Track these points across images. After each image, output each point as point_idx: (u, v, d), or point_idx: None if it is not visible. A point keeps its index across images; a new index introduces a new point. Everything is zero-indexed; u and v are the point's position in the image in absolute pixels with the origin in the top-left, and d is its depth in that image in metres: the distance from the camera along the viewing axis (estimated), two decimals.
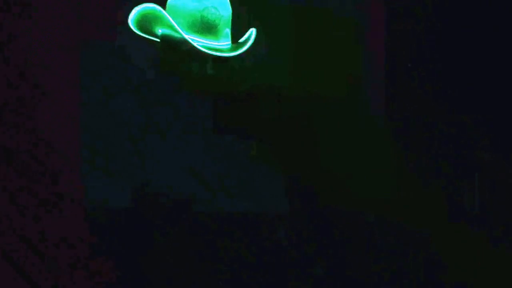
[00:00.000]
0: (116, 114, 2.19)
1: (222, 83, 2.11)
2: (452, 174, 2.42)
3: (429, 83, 2.43)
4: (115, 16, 2.12)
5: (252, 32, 2.09)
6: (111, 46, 2.20)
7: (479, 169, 2.41)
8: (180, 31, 1.95)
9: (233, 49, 2.03)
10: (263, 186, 2.28)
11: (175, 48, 2.00)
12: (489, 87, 2.42)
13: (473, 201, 2.40)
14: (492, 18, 2.41)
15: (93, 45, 2.21)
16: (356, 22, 2.45)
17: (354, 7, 2.45)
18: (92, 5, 2.20)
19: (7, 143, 2.14)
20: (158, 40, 2.04)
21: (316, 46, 2.42)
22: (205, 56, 1.99)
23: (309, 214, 2.31)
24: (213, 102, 2.27)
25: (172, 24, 1.95)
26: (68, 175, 2.15)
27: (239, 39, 2.08)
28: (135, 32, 2.03)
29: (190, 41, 1.95)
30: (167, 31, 2.00)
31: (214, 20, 1.99)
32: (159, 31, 2.02)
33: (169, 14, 1.98)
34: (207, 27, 1.99)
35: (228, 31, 2.04)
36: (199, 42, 1.98)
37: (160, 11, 1.96)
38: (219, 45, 2.01)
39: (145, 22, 2.00)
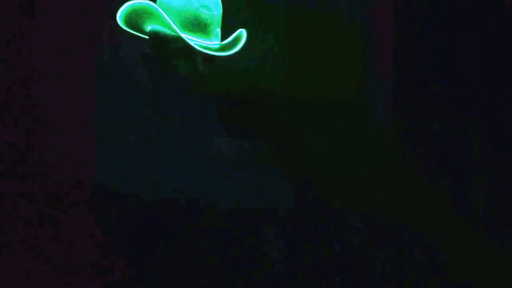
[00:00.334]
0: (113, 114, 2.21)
1: (216, 82, 2.13)
2: (458, 176, 2.37)
3: (436, 85, 2.40)
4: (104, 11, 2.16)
5: (241, 33, 2.09)
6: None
7: (485, 170, 2.36)
8: (176, 29, 1.95)
9: (221, 49, 2.03)
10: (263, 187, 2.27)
11: (165, 45, 2.01)
12: (496, 88, 2.37)
13: (479, 202, 2.36)
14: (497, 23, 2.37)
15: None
16: (363, 25, 2.44)
17: (361, 9, 2.43)
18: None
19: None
20: (146, 36, 2.05)
21: (323, 49, 2.42)
22: (197, 54, 2.00)
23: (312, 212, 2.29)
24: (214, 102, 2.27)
25: (167, 21, 1.95)
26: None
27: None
28: (121, 27, 2.02)
29: (186, 39, 1.95)
30: (158, 28, 2.00)
31: (207, 19, 2.00)
32: (148, 27, 2.02)
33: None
34: (199, 26, 1.99)
35: (218, 30, 2.04)
36: (192, 40, 1.98)
37: (154, 7, 1.96)
38: (210, 44, 2.02)
39: (135, 18, 1.99)
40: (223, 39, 2.08)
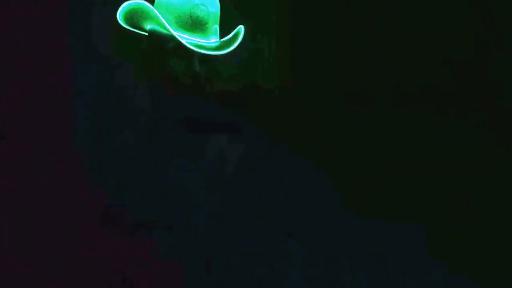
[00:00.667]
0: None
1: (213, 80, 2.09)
2: None
3: None
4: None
5: (239, 30, 2.06)
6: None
7: None
8: (168, 27, 1.93)
9: (220, 47, 2.01)
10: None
11: (163, 44, 1.98)
12: None
13: None
14: None
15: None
16: None
17: None
18: None
19: None
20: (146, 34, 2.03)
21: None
22: (193, 53, 1.96)
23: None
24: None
25: (160, 20, 1.94)
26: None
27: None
28: (123, 26, 2.01)
29: (178, 37, 1.93)
30: (156, 27, 1.98)
31: (203, 17, 1.97)
32: (148, 26, 2.00)
33: (158, 10, 1.96)
34: (196, 24, 1.97)
35: (216, 27, 2.02)
36: (188, 39, 1.96)
37: (148, 6, 1.95)
38: (207, 42, 1.99)
39: (134, 17, 1.98)
40: (223, 36, 2.05)
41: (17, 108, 2.14)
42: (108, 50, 2.17)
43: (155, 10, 1.94)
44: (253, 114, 2.23)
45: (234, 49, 2.02)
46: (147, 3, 1.96)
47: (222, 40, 2.04)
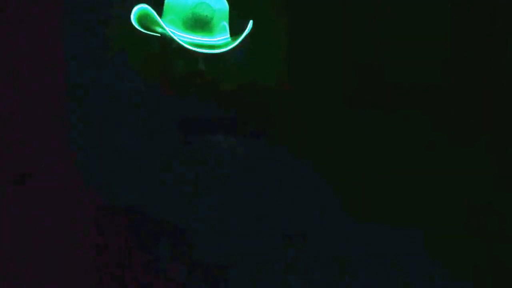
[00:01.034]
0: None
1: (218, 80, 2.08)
2: None
3: None
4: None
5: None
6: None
7: None
8: (166, 27, 1.91)
9: (227, 44, 1.97)
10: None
11: (167, 45, 1.97)
12: None
13: None
14: None
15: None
16: None
17: None
18: None
19: None
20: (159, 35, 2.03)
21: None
22: (194, 54, 1.94)
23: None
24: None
25: (158, 21, 1.92)
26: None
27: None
28: (138, 29, 2.02)
29: (175, 38, 1.91)
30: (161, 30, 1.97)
31: (207, 16, 1.95)
32: (159, 29, 1.99)
33: (166, 12, 1.96)
34: (199, 24, 1.95)
35: (225, 24, 1.99)
36: (193, 39, 1.94)
37: (149, 10, 1.94)
38: (214, 41, 1.97)
39: (143, 21, 1.98)
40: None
41: (15, 108, 2.14)
42: (108, 50, 2.17)
43: (154, 12, 1.93)
44: (253, 114, 2.23)
45: (234, 49, 1.99)
46: (148, 7, 1.94)
47: (233, 37, 2.01)
